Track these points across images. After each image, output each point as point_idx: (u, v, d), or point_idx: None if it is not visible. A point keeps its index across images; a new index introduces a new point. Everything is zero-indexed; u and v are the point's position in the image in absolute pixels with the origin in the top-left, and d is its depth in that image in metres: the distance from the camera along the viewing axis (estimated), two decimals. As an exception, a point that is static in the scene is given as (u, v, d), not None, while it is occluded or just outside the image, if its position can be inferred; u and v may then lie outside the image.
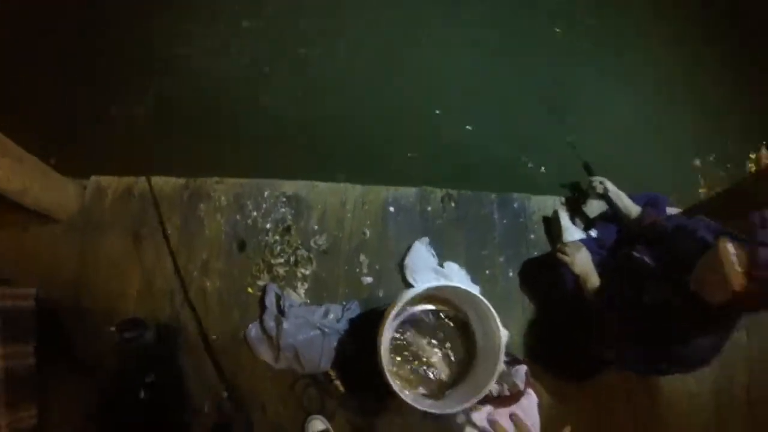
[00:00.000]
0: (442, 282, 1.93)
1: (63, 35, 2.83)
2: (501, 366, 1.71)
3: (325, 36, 2.88)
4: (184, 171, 2.42)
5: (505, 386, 1.89)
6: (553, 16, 3.05)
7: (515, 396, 1.87)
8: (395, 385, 1.65)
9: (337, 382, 2.07)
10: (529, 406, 1.94)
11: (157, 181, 2.39)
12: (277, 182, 2.41)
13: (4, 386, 1.65)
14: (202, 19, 2.88)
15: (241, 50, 2.81)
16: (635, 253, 1.69)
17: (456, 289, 1.79)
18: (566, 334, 2.04)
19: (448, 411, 1.65)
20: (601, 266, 1.90)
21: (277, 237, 2.30)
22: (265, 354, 2.07)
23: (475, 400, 1.65)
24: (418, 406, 1.63)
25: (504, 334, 1.74)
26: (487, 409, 1.91)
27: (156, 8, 2.87)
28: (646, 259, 1.65)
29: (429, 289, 1.76)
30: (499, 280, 2.28)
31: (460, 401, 1.67)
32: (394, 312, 1.70)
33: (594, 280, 1.85)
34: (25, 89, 2.66)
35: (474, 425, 1.78)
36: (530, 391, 1.95)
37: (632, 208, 2.06)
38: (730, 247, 1.26)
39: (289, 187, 2.40)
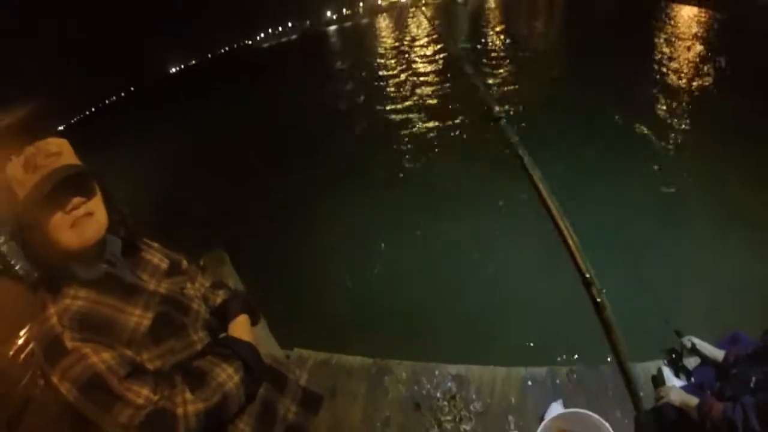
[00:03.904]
0: (571, 410, 2.47)
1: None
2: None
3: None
4: (370, 352, 3.34)
5: None
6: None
7: None
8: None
9: None
10: None
11: (348, 359, 3.30)
12: (443, 366, 3.21)
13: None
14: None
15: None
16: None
17: (577, 414, 2.38)
18: None
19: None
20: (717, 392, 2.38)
21: (445, 402, 2.98)
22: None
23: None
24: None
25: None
26: None
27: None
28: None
29: (561, 415, 2.38)
30: (618, 427, 2.63)
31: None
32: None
33: (692, 400, 2.34)
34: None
35: None
36: None
37: (717, 353, 2.64)
38: None
39: (453, 369, 3.18)
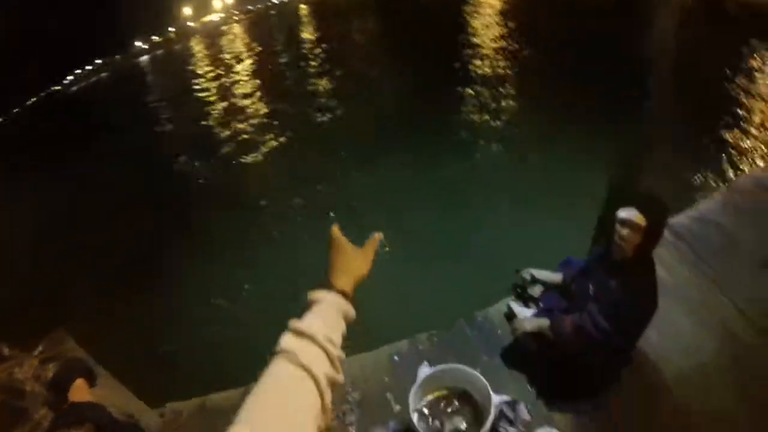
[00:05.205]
0: (440, 367, 2.66)
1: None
2: (493, 403, 2.39)
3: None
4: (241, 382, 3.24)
5: (519, 426, 2.50)
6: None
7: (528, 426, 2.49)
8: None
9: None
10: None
11: (220, 396, 3.23)
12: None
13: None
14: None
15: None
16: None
17: (452, 369, 2.57)
18: (553, 368, 2.73)
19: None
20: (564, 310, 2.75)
21: (324, 404, 3.02)
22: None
23: (488, 425, 2.30)
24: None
25: (493, 393, 2.45)
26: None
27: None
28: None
29: (434, 373, 2.56)
30: (488, 369, 2.92)
31: None
32: (413, 390, 2.45)
33: (544, 323, 2.68)
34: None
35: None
36: (552, 430, 2.53)
37: (555, 277, 3.03)
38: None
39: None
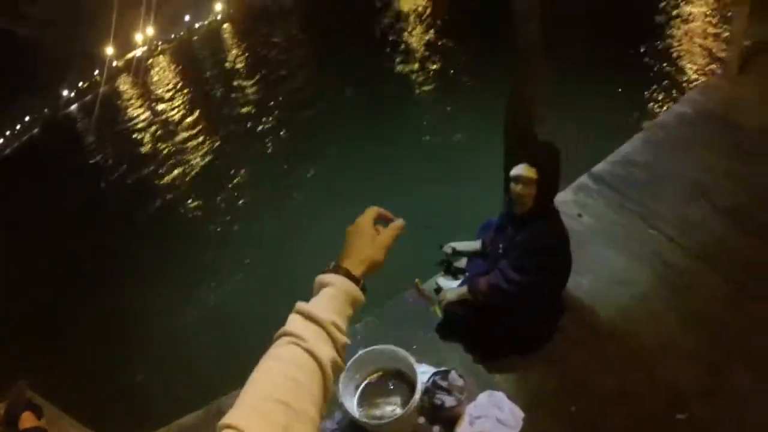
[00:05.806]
0: (367, 350, 2.74)
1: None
2: (420, 379, 2.50)
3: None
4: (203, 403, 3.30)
5: (456, 393, 2.61)
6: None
7: (469, 391, 2.62)
8: (362, 416, 2.44)
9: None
10: (500, 401, 2.60)
11: (185, 419, 3.25)
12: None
13: None
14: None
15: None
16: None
17: (381, 350, 2.68)
18: (486, 331, 2.86)
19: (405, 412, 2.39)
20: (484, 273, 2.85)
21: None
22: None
23: (417, 396, 2.42)
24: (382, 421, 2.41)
25: (418, 365, 2.59)
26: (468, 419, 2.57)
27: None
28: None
29: (360, 357, 2.66)
30: (425, 344, 3.08)
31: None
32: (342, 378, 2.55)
33: (464, 289, 2.83)
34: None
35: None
36: (494, 392, 2.65)
37: (474, 245, 3.18)
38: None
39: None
